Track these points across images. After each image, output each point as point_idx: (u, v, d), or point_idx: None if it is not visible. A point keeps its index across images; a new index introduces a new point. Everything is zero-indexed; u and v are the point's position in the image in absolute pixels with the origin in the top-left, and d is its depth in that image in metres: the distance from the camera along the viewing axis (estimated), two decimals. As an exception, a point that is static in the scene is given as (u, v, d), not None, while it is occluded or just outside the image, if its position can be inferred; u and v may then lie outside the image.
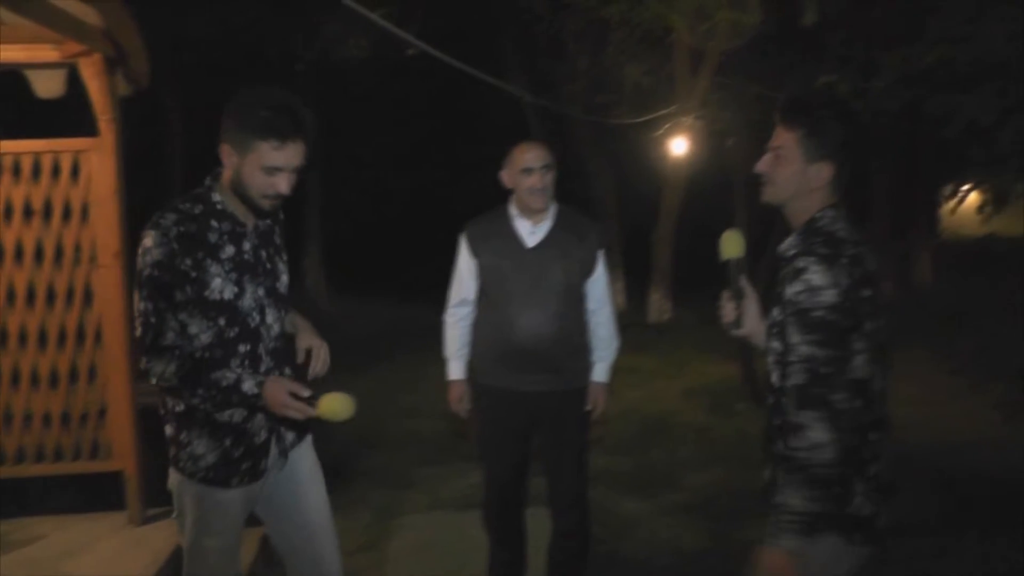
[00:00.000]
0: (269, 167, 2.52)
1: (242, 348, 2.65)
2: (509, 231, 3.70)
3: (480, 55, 10.97)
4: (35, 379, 4.37)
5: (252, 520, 2.81)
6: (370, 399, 6.90)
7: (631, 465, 6.28)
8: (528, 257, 3.65)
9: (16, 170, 4.29)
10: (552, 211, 3.71)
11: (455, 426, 6.27)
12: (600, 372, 3.85)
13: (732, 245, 2.51)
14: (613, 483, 5.80)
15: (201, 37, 11.65)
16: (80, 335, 4.39)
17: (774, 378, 2.30)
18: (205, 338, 2.58)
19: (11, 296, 4.32)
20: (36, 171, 4.31)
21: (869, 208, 15.56)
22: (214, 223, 2.59)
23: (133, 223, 4.46)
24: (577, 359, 3.76)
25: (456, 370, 3.88)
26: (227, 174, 2.60)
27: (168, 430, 2.72)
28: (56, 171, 4.32)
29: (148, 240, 2.49)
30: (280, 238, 2.86)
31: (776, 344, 2.27)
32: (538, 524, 4.03)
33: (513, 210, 3.72)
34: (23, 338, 4.34)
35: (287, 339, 2.87)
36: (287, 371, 2.81)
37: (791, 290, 2.18)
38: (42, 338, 4.35)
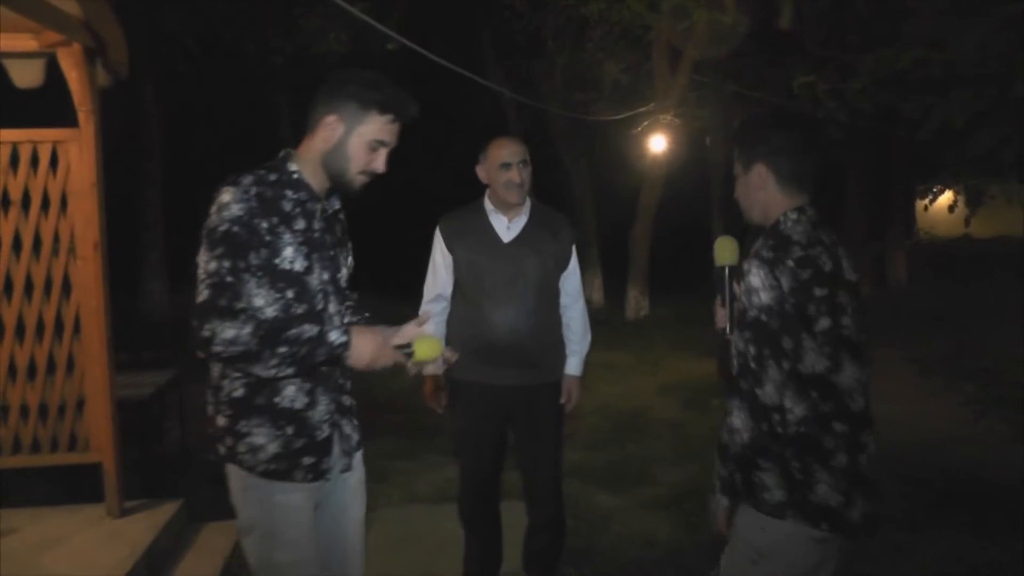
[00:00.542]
0: (377, 140, 2.50)
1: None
2: (485, 226, 3.72)
3: (459, 51, 10.98)
4: (13, 371, 4.36)
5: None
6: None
7: (606, 460, 6.32)
8: (505, 252, 3.67)
9: (-6, 160, 4.27)
10: (527, 206, 3.74)
11: (430, 420, 6.29)
12: (573, 366, 3.88)
13: (726, 252, 2.55)
14: (589, 477, 5.85)
15: (179, 29, 11.59)
16: (59, 326, 4.38)
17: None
18: (270, 312, 2.38)
19: (-11, 287, 4.30)
20: (14, 161, 4.29)
21: (845, 209, 15.72)
22: (289, 192, 2.46)
23: (112, 215, 4.47)
24: (552, 353, 3.80)
25: (433, 364, 3.87)
26: (317, 146, 2.50)
27: (220, 421, 2.48)
28: (35, 161, 4.30)
29: (227, 195, 2.35)
30: (343, 233, 2.73)
31: (740, 343, 2.39)
32: (513, 517, 4.06)
33: (488, 205, 3.75)
34: (0, 329, 4.33)
35: None
36: (343, 376, 2.65)
37: (740, 292, 2.34)
38: (20, 329, 4.34)
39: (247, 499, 2.50)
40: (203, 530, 4.74)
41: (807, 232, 2.34)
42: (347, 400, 2.68)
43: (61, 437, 4.44)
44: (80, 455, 4.48)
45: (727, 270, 2.52)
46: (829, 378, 2.27)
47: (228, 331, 2.26)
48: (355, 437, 2.70)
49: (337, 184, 2.54)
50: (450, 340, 3.78)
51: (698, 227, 15.79)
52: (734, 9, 10.06)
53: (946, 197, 10.86)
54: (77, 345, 4.41)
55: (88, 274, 4.35)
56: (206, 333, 2.27)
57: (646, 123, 12.63)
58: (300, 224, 2.45)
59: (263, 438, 2.44)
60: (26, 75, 4.44)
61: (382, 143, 2.52)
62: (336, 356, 2.38)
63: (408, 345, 2.43)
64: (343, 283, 2.67)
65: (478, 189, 3.81)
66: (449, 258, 3.75)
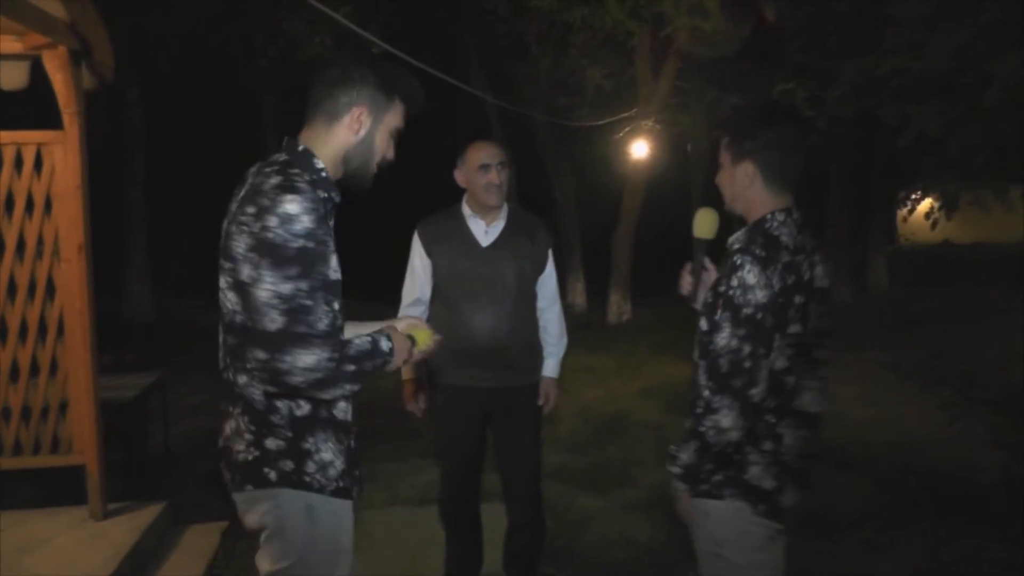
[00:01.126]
0: (396, 129, 2.45)
1: None
2: (463, 231, 3.75)
3: (443, 55, 11.00)
4: (-5, 372, 4.37)
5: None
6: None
7: (587, 462, 6.36)
8: (483, 257, 3.71)
9: (-22, 163, 4.27)
10: (504, 211, 3.78)
11: (411, 423, 6.32)
12: (551, 368, 3.93)
13: (705, 225, 2.61)
14: (569, 480, 5.89)
15: (163, 32, 11.58)
16: (42, 329, 4.39)
17: (696, 353, 2.44)
18: (323, 326, 2.15)
19: (-28, 289, 4.30)
20: (-2, 163, 4.30)
21: (826, 215, 15.83)
22: (321, 192, 2.24)
23: (95, 217, 4.48)
24: (530, 356, 3.84)
25: (410, 368, 3.85)
26: (341, 139, 2.34)
27: (272, 444, 2.22)
28: (19, 163, 4.31)
29: (294, 206, 2.09)
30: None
31: (703, 323, 2.40)
32: (494, 518, 4.09)
33: (466, 209, 3.78)
34: (-17, 331, 4.34)
35: None
36: None
37: (726, 283, 2.32)
38: (3, 331, 4.35)
39: (312, 521, 2.27)
40: (186, 532, 4.74)
41: (793, 236, 2.37)
42: None
43: (44, 439, 4.45)
44: (63, 457, 4.48)
45: (704, 243, 2.60)
46: (781, 375, 2.33)
47: (307, 358, 2.07)
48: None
49: (356, 176, 2.40)
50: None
51: (680, 232, 15.83)
52: (717, 14, 10.13)
53: (924, 205, 10.98)
54: (61, 347, 4.41)
55: (72, 276, 4.36)
56: (283, 365, 2.07)
57: (628, 128, 12.70)
58: (330, 225, 2.30)
59: (330, 454, 2.27)
60: (11, 77, 4.46)
61: (398, 131, 2.46)
62: (386, 363, 2.29)
63: (410, 336, 2.45)
64: None
65: (457, 195, 3.84)
66: (428, 262, 3.77)
